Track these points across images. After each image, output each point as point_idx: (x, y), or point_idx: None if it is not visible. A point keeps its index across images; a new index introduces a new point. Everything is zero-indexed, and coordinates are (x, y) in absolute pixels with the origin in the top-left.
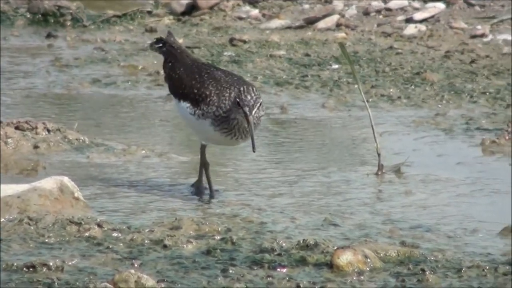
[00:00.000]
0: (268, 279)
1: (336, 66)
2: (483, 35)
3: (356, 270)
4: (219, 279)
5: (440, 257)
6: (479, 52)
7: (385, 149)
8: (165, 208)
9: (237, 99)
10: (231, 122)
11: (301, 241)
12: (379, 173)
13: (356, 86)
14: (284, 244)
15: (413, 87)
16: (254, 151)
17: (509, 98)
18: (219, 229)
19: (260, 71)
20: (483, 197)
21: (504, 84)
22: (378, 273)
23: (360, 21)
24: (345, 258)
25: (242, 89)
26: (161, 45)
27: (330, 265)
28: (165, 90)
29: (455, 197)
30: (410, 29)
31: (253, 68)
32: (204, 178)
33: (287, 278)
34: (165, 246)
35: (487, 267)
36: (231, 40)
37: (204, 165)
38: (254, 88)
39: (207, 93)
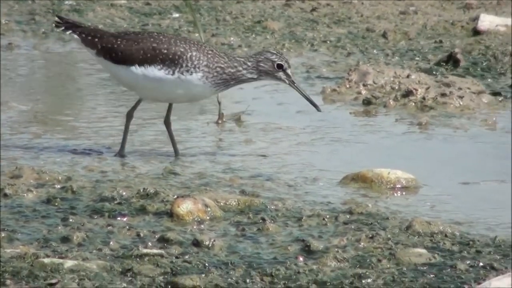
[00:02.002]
0: (108, 228)
1: (177, 15)
2: None
3: (196, 219)
4: (59, 228)
5: (280, 206)
6: (320, 0)
7: (225, 98)
8: (6, 157)
9: (279, 62)
10: (247, 78)
11: (141, 190)
12: (219, 121)
13: (197, 34)
14: (124, 193)
15: (254, 35)
16: (320, 110)
17: (349, 47)
18: (60, 178)
19: (101, 20)
20: (323, 145)
21: (345, 33)
22: (218, 222)
23: None
24: (185, 207)
25: (272, 51)
26: (67, 27)
27: (170, 214)
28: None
29: (295, 146)
30: None
31: (93, 17)
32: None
33: (127, 227)
34: (5, 195)
35: (328, 216)
36: None
37: (129, 117)
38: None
39: (182, 50)
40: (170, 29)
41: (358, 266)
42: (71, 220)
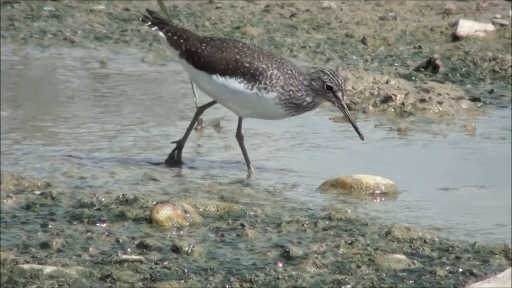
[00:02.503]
0: (88, 234)
1: None
2: None
3: (175, 225)
4: (39, 234)
5: (259, 212)
6: (299, 6)
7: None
8: None
9: (329, 83)
10: (306, 103)
11: (121, 196)
12: (199, 127)
13: None
14: (103, 199)
15: None
16: (363, 139)
17: (329, 52)
18: (39, 184)
19: (80, 26)
20: (302, 151)
21: (324, 38)
22: (197, 228)
23: None
24: (164, 213)
25: (327, 71)
26: (157, 26)
27: (150, 220)
28: None
29: (274, 152)
30: None
31: (73, 22)
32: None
33: (107, 233)
34: None
35: (307, 222)
36: None
37: (239, 138)
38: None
39: (264, 67)
40: (150, 34)
41: (337, 272)
42: (50, 226)
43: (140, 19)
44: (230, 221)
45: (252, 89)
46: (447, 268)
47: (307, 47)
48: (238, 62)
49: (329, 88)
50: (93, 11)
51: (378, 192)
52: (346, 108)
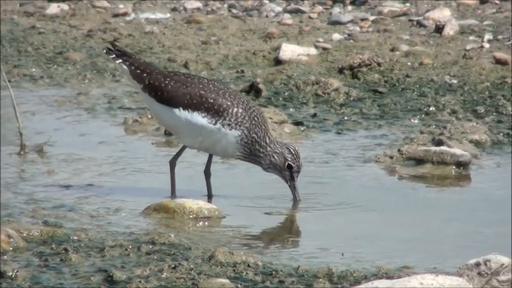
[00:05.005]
0: None
1: None
2: (125, 14)
3: None
4: None
5: (83, 236)
6: (121, 31)
7: (28, 129)
8: None
9: (291, 163)
10: (259, 161)
11: None
12: (22, 152)
13: None
14: None
15: (55, 66)
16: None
17: None
18: None
19: None
20: (125, 176)
21: None
22: (21, 253)
23: (3, 2)
24: None
25: (292, 150)
26: (118, 56)
27: None
28: None
29: (97, 177)
30: (53, 9)
31: None
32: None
33: None
34: None
35: (130, 246)
36: None
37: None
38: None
39: (228, 103)
40: None
41: None
42: None
43: (104, 51)
44: (54, 246)
45: (215, 124)
46: None
47: None
48: (202, 98)
49: (289, 167)
50: None
51: (201, 216)
52: (297, 189)
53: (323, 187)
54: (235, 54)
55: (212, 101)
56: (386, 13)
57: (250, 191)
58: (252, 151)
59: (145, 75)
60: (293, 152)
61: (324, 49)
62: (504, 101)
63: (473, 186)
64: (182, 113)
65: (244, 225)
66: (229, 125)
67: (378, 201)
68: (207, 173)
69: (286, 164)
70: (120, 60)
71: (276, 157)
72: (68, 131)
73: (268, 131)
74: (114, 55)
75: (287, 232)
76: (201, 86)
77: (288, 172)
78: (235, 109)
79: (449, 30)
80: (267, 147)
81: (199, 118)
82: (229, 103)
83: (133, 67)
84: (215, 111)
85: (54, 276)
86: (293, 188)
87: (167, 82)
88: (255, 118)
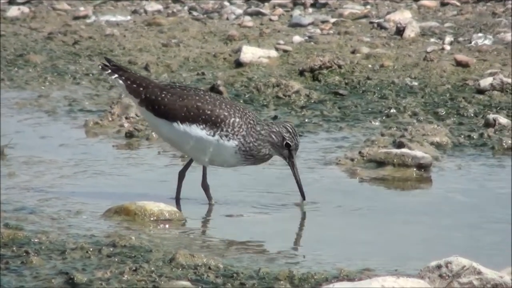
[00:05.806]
0: None
1: None
2: (86, 16)
3: None
4: None
5: (44, 239)
6: (82, 33)
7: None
8: None
9: (289, 142)
10: (262, 155)
11: None
12: None
13: None
14: None
15: (16, 69)
16: (305, 199)
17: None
18: None
19: None
20: (86, 178)
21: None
22: None
23: None
24: None
25: (289, 128)
26: (113, 71)
27: None
28: None
29: (58, 179)
30: (14, 11)
31: None
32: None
33: None
34: None
35: (91, 249)
36: None
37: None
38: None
39: (225, 114)
40: None
41: None
42: None
43: (100, 66)
44: (14, 248)
45: (214, 135)
46: None
47: (90, 74)
48: (199, 110)
49: (288, 145)
50: None
51: (162, 219)
52: (296, 167)
53: (284, 190)
54: (195, 56)
55: (209, 112)
56: (346, 15)
57: (213, 194)
58: (254, 153)
59: (141, 89)
60: (291, 131)
61: (285, 51)
62: (465, 103)
63: (434, 189)
64: (181, 127)
65: (205, 228)
66: (226, 136)
67: (339, 204)
68: (204, 186)
69: (284, 142)
70: (116, 75)
71: (273, 136)
72: (29, 133)
73: (258, 120)
74: (109, 71)
75: (248, 234)
76: (197, 97)
77: (287, 150)
78: (232, 119)
79: (410, 32)
80: (260, 135)
81: (198, 131)
82: (226, 114)
83: (129, 82)
84: (212, 123)
85: (15, 278)
86: (292, 165)
87: (163, 95)
88: (251, 122)
